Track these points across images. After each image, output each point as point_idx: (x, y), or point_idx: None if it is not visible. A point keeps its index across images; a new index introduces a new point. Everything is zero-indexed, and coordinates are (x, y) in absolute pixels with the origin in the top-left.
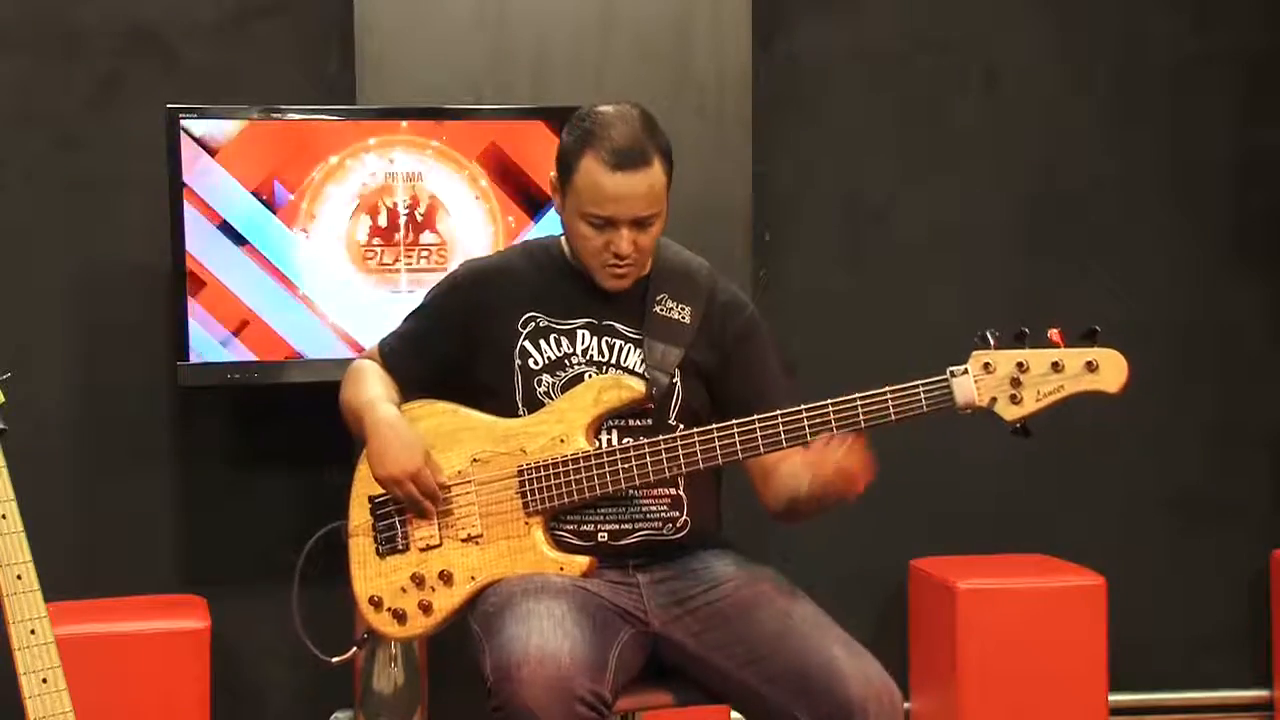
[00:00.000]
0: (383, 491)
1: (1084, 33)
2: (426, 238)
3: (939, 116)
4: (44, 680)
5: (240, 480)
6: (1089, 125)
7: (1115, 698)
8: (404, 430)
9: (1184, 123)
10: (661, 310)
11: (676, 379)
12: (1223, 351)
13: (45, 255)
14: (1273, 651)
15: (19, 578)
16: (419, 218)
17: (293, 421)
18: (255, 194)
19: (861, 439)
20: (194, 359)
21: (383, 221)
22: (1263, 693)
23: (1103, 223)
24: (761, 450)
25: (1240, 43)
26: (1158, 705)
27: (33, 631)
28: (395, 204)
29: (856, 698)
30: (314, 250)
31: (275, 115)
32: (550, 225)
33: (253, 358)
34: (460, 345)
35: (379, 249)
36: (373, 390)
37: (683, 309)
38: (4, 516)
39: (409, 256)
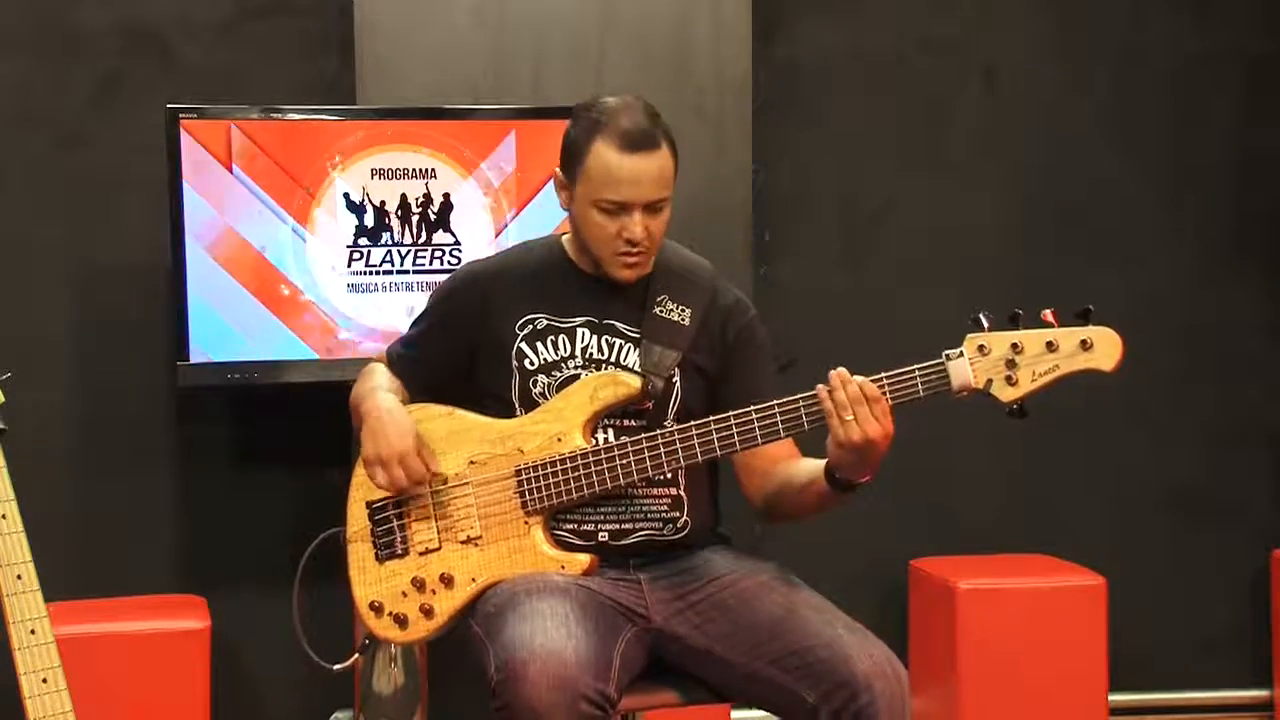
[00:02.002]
0: (380, 496)
1: (1084, 33)
2: (440, 237)
3: (939, 116)
4: (44, 680)
5: (240, 480)
6: (1089, 125)
7: (1115, 698)
8: (399, 416)
9: (1184, 123)
10: (661, 311)
11: (676, 379)
12: (1223, 351)
13: (45, 255)
14: (1273, 651)
15: (19, 578)
16: (432, 216)
17: (293, 421)
18: (256, 193)
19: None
20: (194, 359)
21: (388, 221)
22: (1263, 693)
23: (1102, 223)
24: (759, 441)
25: (1240, 43)
26: (1158, 705)
27: (33, 631)
28: (402, 203)
29: (862, 675)
30: (316, 250)
31: (275, 115)
32: (548, 225)
33: (253, 358)
34: (461, 349)
35: (382, 249)
36: (374, 382)
37: (683, 310)
38: (4, 516)
39: (420, 256)
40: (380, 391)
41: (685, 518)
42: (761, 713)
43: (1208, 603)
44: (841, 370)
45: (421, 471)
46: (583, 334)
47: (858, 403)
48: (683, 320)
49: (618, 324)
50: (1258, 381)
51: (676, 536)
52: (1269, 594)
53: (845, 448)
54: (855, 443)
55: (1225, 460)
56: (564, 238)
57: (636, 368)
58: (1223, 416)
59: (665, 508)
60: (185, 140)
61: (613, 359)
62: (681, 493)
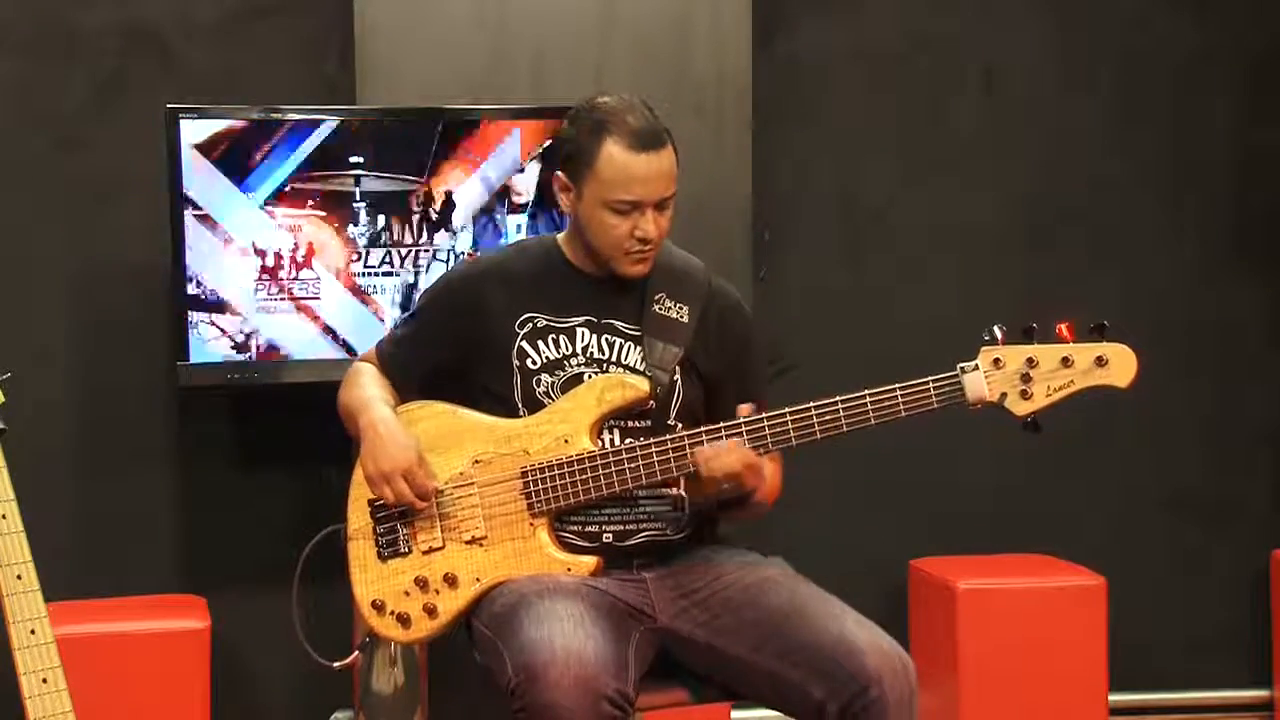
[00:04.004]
0: None
1: (1084, 33)
2: (440, 238)
3: (939, 116)
4: (44, 680)
5: (240, 480)
6: (1089, 125)
7: (1115, 698)
8: (398, 430)
9: (1184, 123)
10: (660, 309)
11: (677, 377)
12: (1223, 351)
13: (45, 255)
14: (1273, 651)
15: (19, 578)
16: (433, 216)
17: (293, 421)
18: (255, 192)
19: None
20: (194, 359)
21: (385, 221)
22: (1263, 693)
23: (1103, 223)
24: (771, 447)
25: (1240, 42)
26: (1158, 705)
27: (33, 631)
28: (402, 202)
29: (873, 669)
30: (314, 250)
31: (275, 115)
32: (549, 225)
33: (253, 358)
34: (456, 347)
35: (381, 249)
36: (369, 390)
37: (681, 308)
38: (4, 516)
39: (421, 257)
40: (376, 403)
41: (687, 517)
42: (762, 712)
43: (1208, 603)
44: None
45: (426, 486)
46: (582, 333)
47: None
48: (681, 317)
49: (617, 323)
50: (1258, 381)
51: (679, 536)
52: (1269, 594)
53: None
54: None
55: (1225, 460)
56: (559, 237)
57: (639, 365)
58: (1223, 416)
59: (668, 508)
60: (185, 140)
61: (614, 358)
62: (682, 493)
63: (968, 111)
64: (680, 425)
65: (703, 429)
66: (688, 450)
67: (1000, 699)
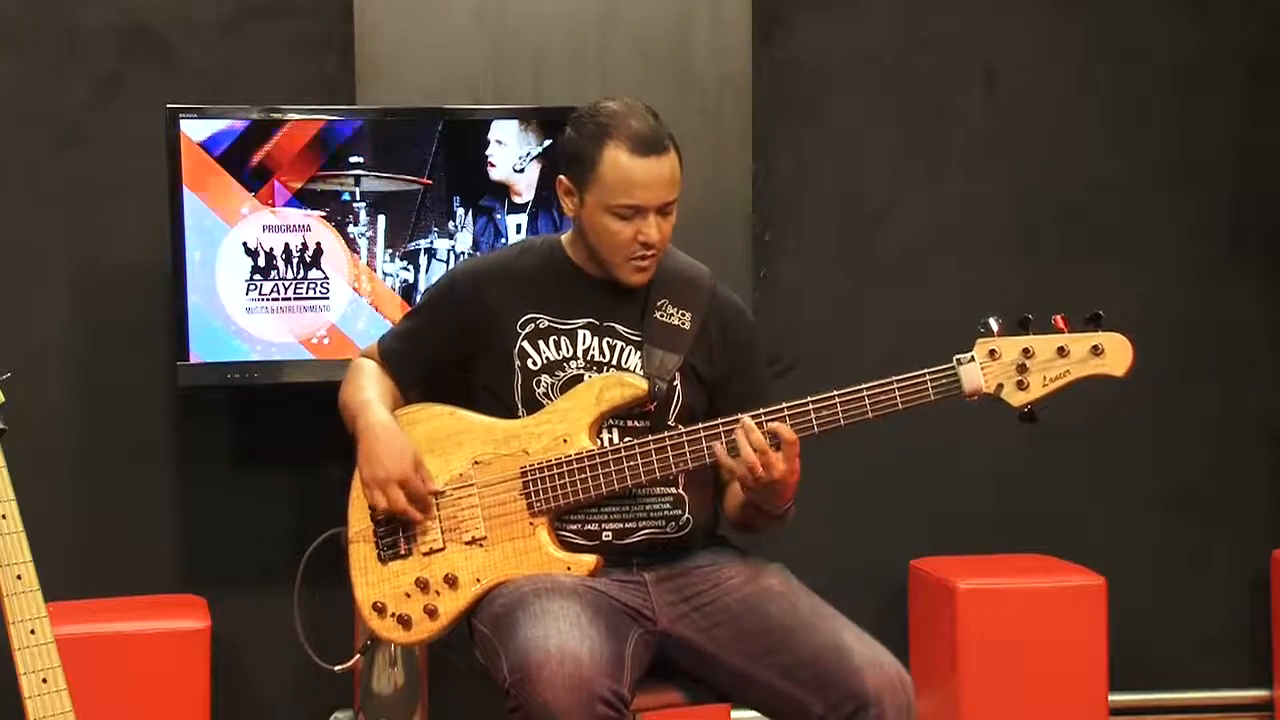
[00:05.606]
0: None
1: (1084, 32)
2: (440, 238)
3: (939, 116)
4: (44, 680)
5: (240, 480)
6: (1090, 125)
7: (1115, 698)
8: (396, 435)
9: (1184, 122)
10: (662, 316)
11: (677, 383)
12: (1223, 351)
13: (46, 255)
14: (1273, 651)
15: (19, 578)
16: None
17: (293, 421)
18: (253, 192)
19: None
20: (194, 359)
21: (385, 221)
22: (1263, 693)
23: (1103, 222)
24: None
25: (1240, 42)
26: (1158, 705)
27: (33, 631)
28: (401, 199)
29: (871, 687)
30: (310, 249)
31: (275, 115)
32: (550, 226)
33: (253, 358)
34: (458, 346)
35: (378, 249)
36: (369, 392)
37: (683, 314)
38: (4, 516)
39: (420, 257)
40: (374, 406)
41: (687, 515)
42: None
43: (1208, 603)
44: (745, 418)
45: (421, 492)
46: (584, 336)
47: (762, 451)
48: (683, 324)
49: (619, 327)
50: (1257, 381)
51: (678, 534)
52: (1269, 594)
53: (748, 488)
54: (760, 484)
55: (1226, 460)
56: (563, 238)
57: (638, 371)
58: (1223, 416)
59: (668, 506)
60: (185, 140)
61: (614, 362)
62: (682, 491)
63: (968, 111)
64: (679, 427)
65: (700, 426)
66: (686, 448)
67: (1000, 699)
